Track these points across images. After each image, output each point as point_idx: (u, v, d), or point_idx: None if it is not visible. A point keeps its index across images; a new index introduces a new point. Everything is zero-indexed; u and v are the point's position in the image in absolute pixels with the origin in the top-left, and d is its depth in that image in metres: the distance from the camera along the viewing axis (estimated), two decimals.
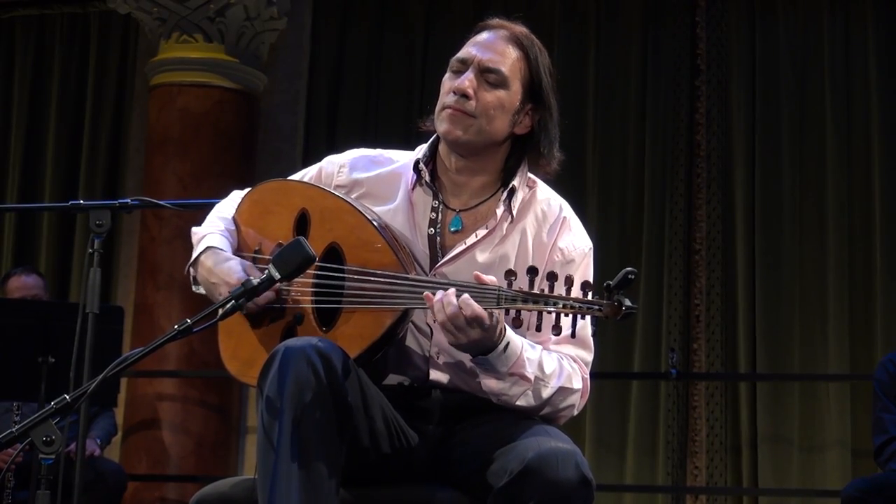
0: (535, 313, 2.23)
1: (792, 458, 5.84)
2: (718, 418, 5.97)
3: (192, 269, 2.55)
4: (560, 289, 2.21)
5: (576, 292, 2.20)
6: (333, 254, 2.42)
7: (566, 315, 2.21)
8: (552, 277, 2.21)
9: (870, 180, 6.01)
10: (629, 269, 2.15)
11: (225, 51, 6.36)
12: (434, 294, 2.27)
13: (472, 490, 2.31)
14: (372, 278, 2.35)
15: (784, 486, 5.77)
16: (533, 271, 2.24)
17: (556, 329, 2.22)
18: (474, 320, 2.22)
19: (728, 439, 5.96)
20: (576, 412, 2.45)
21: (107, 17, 7.07)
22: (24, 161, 7.15)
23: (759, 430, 5.88)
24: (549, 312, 2.21)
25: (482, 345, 2.28)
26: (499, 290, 2.24)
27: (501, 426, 2.33)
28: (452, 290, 2.25)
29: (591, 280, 2.40)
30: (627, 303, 2.18)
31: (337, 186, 2.56)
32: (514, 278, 2.24)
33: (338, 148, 2.68)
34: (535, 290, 2.22)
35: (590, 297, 2.20)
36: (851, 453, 5.77)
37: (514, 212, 2.48)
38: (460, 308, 2.22)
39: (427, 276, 2.44)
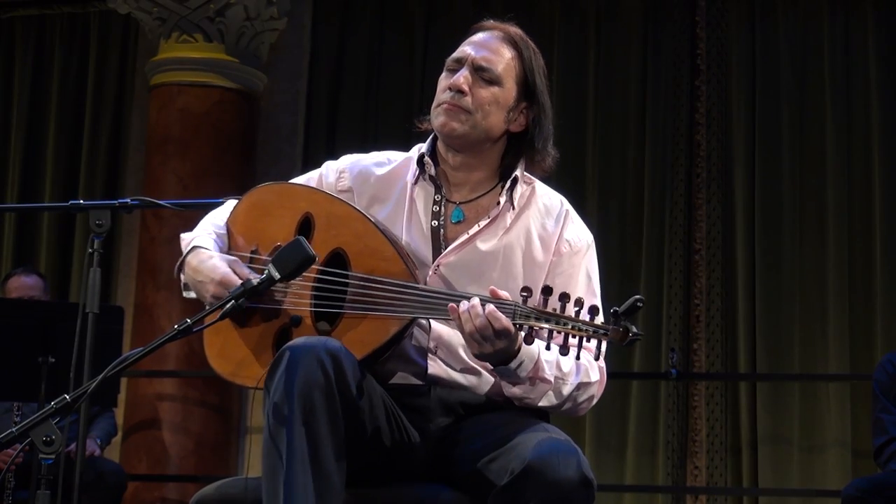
0: (546, 331, 2.27)
1: (792, 458, 5.84)
2: (718, 418, 5.97)
3: (182, 275, 2.55)
4: (570, 310, 2.25)
5: (584, 315, 2.24)
6: (338, 259, 2.42)
7: (573, 336, 2.25)
8: (564, 298, 2.25)
9: (870, 180, 6.00)
10: (638, 297, 2.21)
11: (225, 51, 6.36)
12: (459, 305, 2.28)
13: (473, 489, 2.31)
14: (378, 286, 2.36)
15: (784, 486, 5.77)
16: (547, 291, 2.27)
17: (564, 349, 2.26)
18: (503, 332, 2.26)
19: (728, 439, 5.96)
20: (596, 401, 2.50)
21: (107, 17, 7.06)
22: (24, 161, 7.15)
23: (759, 430, 5.87)
24: (559, 332, 2.25)
25: (504, 354, 2.31)
26: (515, 306, 2.27)
27: (502, 425, 2.34)
28: (477, 300, 2.27)
29: (595, 272, 2.50)
30: (634, 329, 2.23)
31: (340, 192, 2.56)
32: (528, 295, 2.27)
33: (337, 148, 2.70)
34: (549, 310, 2.26)
35: (598, 321, 2.24)
36: (851, 453, 5.77)
37: (516, 203, 2.51)
38: (489, 321, 2.25)
39: (429, 268, 2.46)
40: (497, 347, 2.28)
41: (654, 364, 6.04)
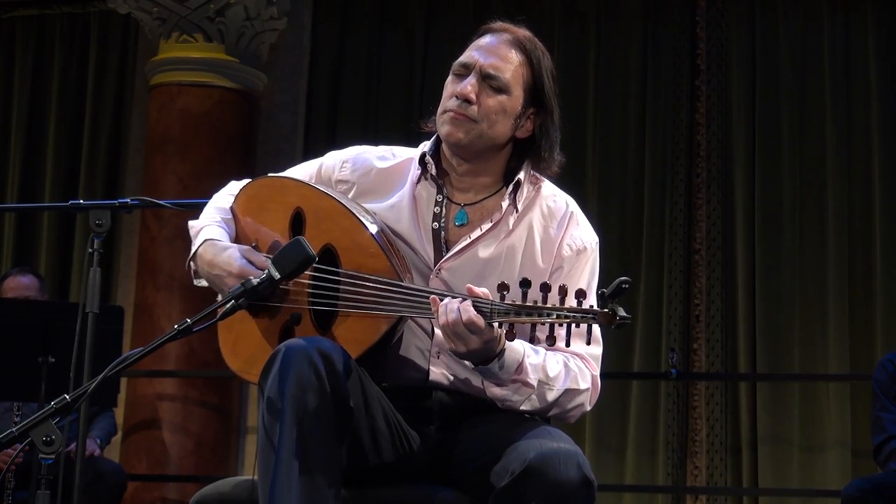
0: (529, 325, 2.22)
1: (792, 458, 5.84)
2: (718, 418, 5.97)
3: (192, 263, 2.54)
4: (553, 299, 2.20)
5: (570, 301, 2.19)
6: (328, 255, 2.41)
7: (560, 325, 2.20)
8: (545, 288, 2.20)
9: (870, 180, 6.00)
10: (623, 278, 2.15)
11: (225, 51, 6.36)
12: (441, 299, 2.27)
13: (473, 490, 2.31)
14: (366, 283, 2.35)
15: (784, 486, 5.77)
16: (526, 283, 2.22)
17: (551, 339, 2.21)
18: (470, 326, 2.21)
19: (728, 439, 5.96)
20: (588, 409, 2.46)
21: (107, 17, 7.06)
22: (24, 161, 7.15)
23: (759, 430, 5.88)
24: (543, 324, 2.20)
25: (481, 354, 2.27)
26: (491, 304, 2.23)
27: (502, 427, 2.33)
28: (459, 299, 2.25)
29: (596, 274, 2.44)
30: (621, 312, 2.18)
31: (339, 181, 2.56)
32: (506, 292, 2.23)
33: (337, 148, 2.68)
34: (528, 303, 2.21)
35: (584, 305, 2.19)
36: (851, 453, 5.77)
37: (520, 205, 2.48)
38: (459, 314, 2.22)
39: (431, 271, 2.45)
40: (470, 346, 2.24)
41: (654, 364, 6.04)
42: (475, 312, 2.21)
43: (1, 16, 7.29)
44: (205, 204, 2.67)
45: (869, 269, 5.95)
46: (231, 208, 2.59)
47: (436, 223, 2.49)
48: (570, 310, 2.19)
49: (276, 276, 2.30)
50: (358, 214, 2.43)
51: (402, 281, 2.35)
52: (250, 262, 2.42)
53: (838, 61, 6.13)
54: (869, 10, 6.14)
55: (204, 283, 2.53)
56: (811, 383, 5.91)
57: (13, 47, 7.29)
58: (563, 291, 2.20)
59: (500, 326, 2.24)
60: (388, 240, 2.43)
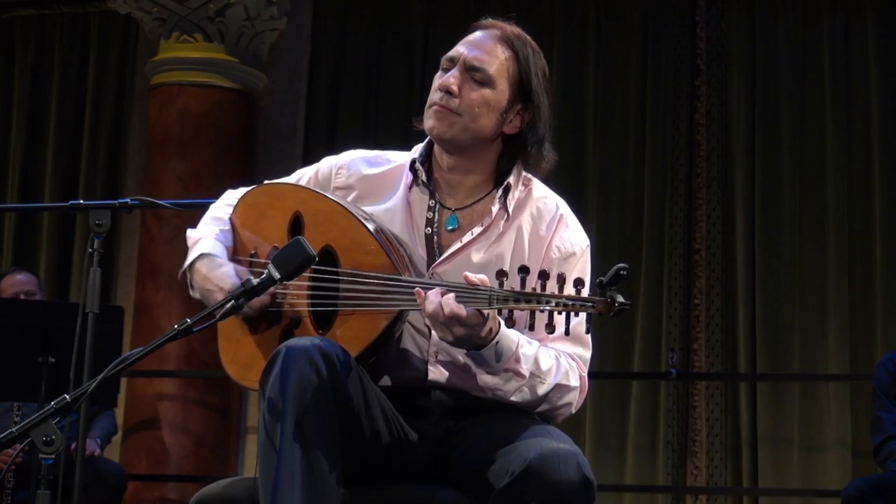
0: (528, 312, 2.22)
1: (792, 458, 5.84)
2: (718, 418, 5.97)
3: (188, 273, 2.54)
4: (552, 287, 2.19)
5: (568, 290, 2.19)
6: (327, 256, 2.41)
7: (559, 313, 2.19)
8: (544, 276, 2.20)
9: (870, 180, 6.01)
10: (621, 265, 2.14)
11: (225, 51, 6.36)
12: (426, 290, 2.27)
13: (473, 490, 2.31)
14: (366, 280, 2.35)
15: (784, 486, 5.77)
16: (524, 270, 2.22)
17: (550, 328, 2.21)
18: (453, 318, 2.22)
19: (728, 439, 5.96)
20: (574, 410, 2.45)
21: (107, 17, 7.07)
22: (24, 161, 7.15)
23: (759, 430, 5.88)
24: (542, 311, 2.20)
25: (470, 342, 2.28)
26: (490, 291, 2.22)
27: (502, 426, 2.32)
28: (438, 289, 2.25)
29: (587, 277, 2.41)
30: (620, 298, 2.16)
31: (335, 189, 2.56)
32: (505, 279, 2.22)
33: (338, 148, 2.68)
34: (527, 290, 2.21)
35: (583, 293, 2.18)
36: (851, 453, 5.77)
37: (510, 209, 2.48)
38: (440, 306, 2.22)
39: (425, 275, 2.45)
40: (455, 335, 2.24)
41: (654, 364, 6.03)
42: (456, 304, 2.21)
43: (1, 16, 7.29)
44: (205, 204, 2.67)
45: (869, 269, 5.95)
46: (230, 219, 2.59)
47: (428, 228, 2.49)
48: (569, 297, 2.18)
49: (277, 276, 2.30)
50: (356, 214, 2.43)
51: (400, 275, 2.35)
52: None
53: (838, 61, 6.13)
54: (869, 10, 6.14)
55: (198, 295, 2.53)
56: (811, 383, 5.91)
57: (13, 47, 7.29)
58: (561, 280, 2.19)
59: (499, 313, 2.24)
60: (387, 238, 2.43)
